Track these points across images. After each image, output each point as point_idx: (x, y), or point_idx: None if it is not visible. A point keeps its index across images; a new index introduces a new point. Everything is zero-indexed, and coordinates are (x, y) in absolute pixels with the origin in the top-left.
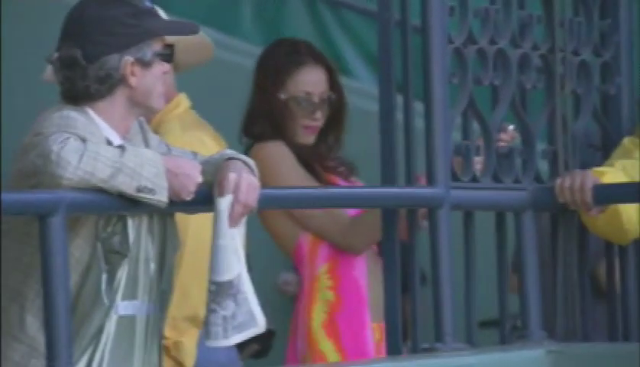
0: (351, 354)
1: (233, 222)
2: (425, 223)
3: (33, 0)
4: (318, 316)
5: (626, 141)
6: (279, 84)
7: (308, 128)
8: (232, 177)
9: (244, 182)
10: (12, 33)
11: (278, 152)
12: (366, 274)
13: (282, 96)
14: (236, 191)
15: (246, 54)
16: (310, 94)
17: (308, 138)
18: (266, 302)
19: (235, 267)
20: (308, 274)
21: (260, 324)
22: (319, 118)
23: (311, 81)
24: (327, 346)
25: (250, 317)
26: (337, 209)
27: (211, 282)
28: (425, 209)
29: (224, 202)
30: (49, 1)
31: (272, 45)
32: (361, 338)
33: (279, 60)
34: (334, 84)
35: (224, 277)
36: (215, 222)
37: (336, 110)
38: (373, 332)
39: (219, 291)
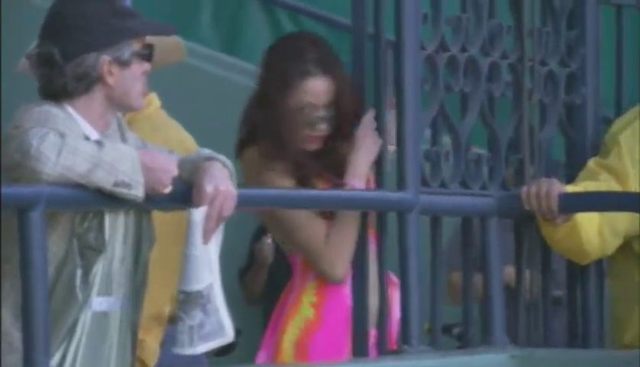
0: None
1: (206, 237)
2: None
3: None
4: (292, 331)
5: (591, 162)
6: (285, 93)
7: (309, 137)
8: (208, 189)
9: (220, 197)
10: (12, 33)
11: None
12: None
13: (289, 105)
14: (210, 207)
15: (205, 58)
16: (314, 105)
17: (312, 146)
18: (233, 301)
19: (206, 277)
20: (298, 283)
21: (228, 334)
22: (323, 129)
23: (315, 92)
24: None
25: (218, 327)
26: (315, 230)
27: (180, 291)
28: None
29: (198, 215)
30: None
31: (275, 46)
32: (334, 358)
33: (285, 68)
34: (341, 92)
35: (193, 287)
36: (188, 233)
37: (344, 116)
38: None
39: (187, 301)
